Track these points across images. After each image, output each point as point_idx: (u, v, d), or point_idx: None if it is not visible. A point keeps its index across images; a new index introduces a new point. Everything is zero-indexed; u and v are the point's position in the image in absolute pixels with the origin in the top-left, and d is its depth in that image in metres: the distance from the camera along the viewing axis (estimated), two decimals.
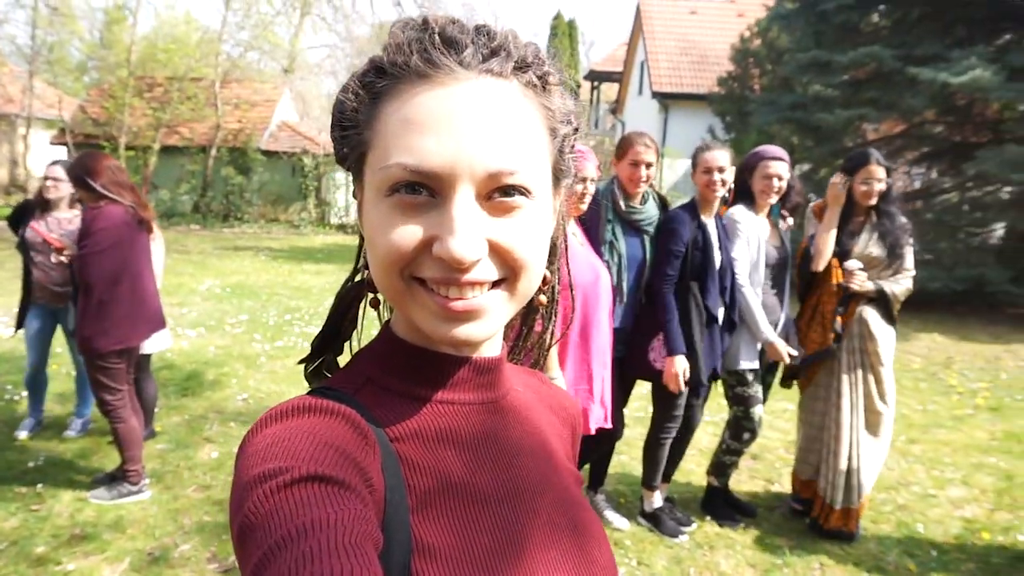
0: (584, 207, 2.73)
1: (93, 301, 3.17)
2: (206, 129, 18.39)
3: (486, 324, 0.59)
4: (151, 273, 3.51)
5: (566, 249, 0.78)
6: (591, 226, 2.97)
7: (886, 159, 3.22)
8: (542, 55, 0.61)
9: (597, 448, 3.24)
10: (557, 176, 0.65)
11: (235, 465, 0.54)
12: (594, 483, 3.46)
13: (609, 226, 2.97)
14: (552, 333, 0.80)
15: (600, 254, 2.92)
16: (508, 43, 0.58)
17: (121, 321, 3.25)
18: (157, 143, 17.79)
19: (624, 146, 3.02)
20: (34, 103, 19.26)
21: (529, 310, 0.78)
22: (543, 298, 0.75)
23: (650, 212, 3.07)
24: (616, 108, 25.27)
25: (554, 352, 2.60)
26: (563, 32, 29.82)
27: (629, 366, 3.10)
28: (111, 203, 3.23)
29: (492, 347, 0.69)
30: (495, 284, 0.59)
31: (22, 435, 4.13)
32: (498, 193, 0.56)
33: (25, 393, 4.38)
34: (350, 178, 0.66)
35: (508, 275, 0.59)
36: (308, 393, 0.62)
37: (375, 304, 0.71)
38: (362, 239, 0.69)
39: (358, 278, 0.72)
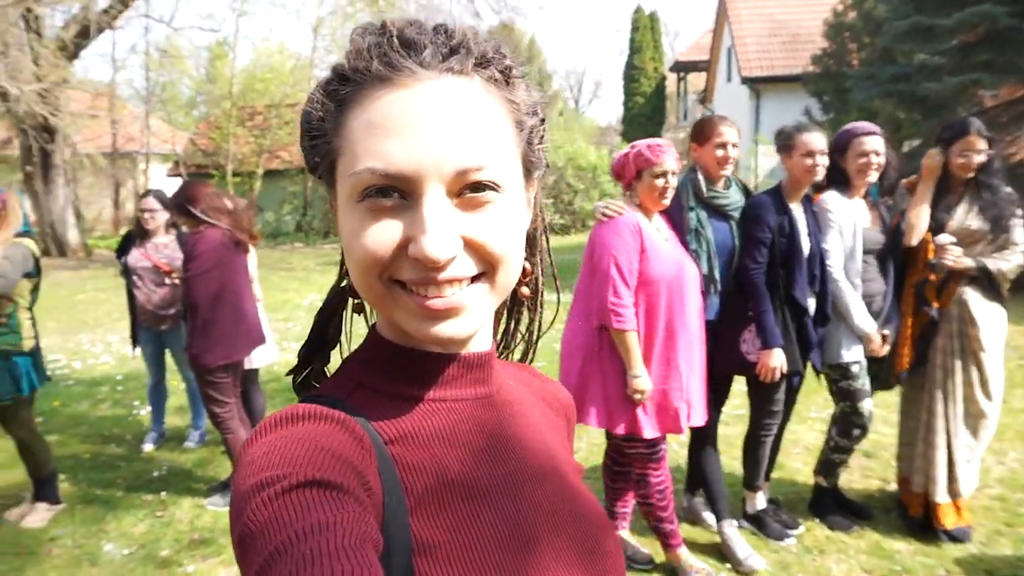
0: (667, 201, 2.65)
1: (199, 320, 3.37)
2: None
3: (468, 321, 0.59)
4: (250, 291, 3.70)
5: (547, 240, 0.78)
6: (675, 216, 2.89)
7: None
8: (503, 50, 0.61)
9: (693, 449, 3.14)
10: (528, 168, 0.66)
11: (233, 476, 0.54)
12: (692, 485, 3.35)
13: (692, 213, 2.87)
14: (539, 325, 0.80)
15: (686, 244, 2.82)
16: (467, 40, 0.58)
17: (224, 338, 3.44)
18: (260, 168, 18.83)
19: (707, 130, 2.91)
20: (151, 140, 20.78)
21: (514, 303, 0.79)
22: (526, 290, 0.75)
23: (734, 197, 2.95)
24: (704, 98, 24.57)
25: (636, 348, 2.54)
26: (644, 26, 29.35)
27: (719, 361, 2.97)
28: (210, 227, 3.43)
29: (481, 342, 0.68)
30: (474, 279, 0.59)
31: (147, 447, 4.47)
32: (468, 190, 0.57)
33: (149, 408, 4.72)
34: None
35: (486, 269, 0.59)
36: (301, 401, 0.62)
37: (359, 309, 0.71)
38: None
39: (343, 284, 0.72)
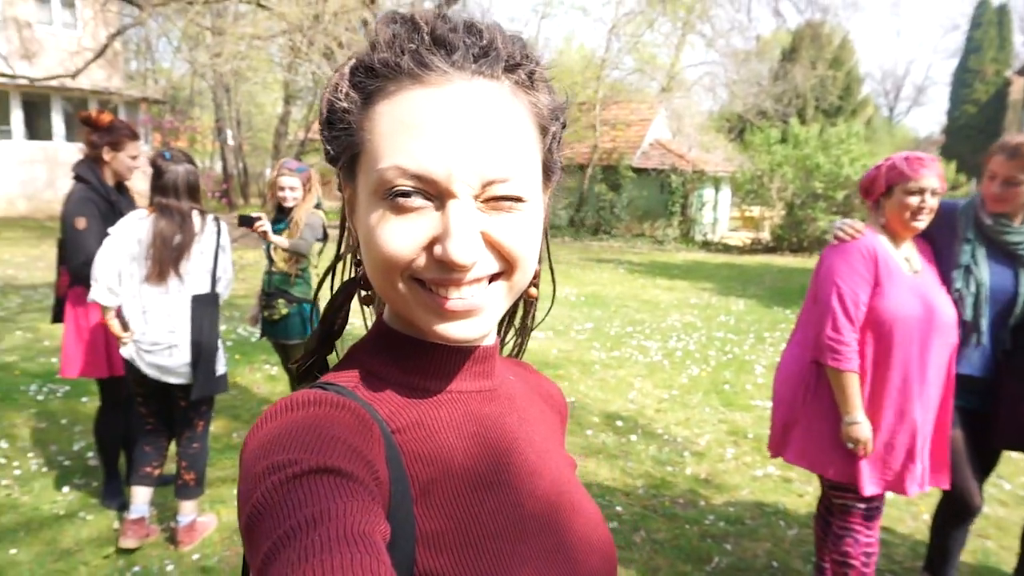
0: (921, 224, 2.27)
1: None
2: (586, 149, 19.92)
3: (482, 321, 0.61)
4: None
5: (546, 237, 0.75)
6: (941, 246, 2.47)
7: None
8: (528, 51, 0.61)
9: (939, 522, 2.67)
10: (547, 173, 0.66)
11: (240, 458, 0.56)
12: (934, 566, 2.80)
13: (967, 247, 2.42)
14: (533, 318, 0.80)
15: (948, 282, 2.40)
16: (496, 41, 0.58)
17: None
18: None
19: (990, 154, 2.44)
20: None
21: (516, 303, 0.78)
22: (534, 291, 0.76)
23: None
24: None
25: (855, 392, 2.23)
26: (989, 21, 25.17)
27: (996, 433, 2.48)
28: None
29: (487, 337, 0.69)
30: (493, 279, 0.60)
31: None
32: (492, 197, 0.57)
33: None
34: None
35: (505, 268, 0.60)
36: (309, 387, 0.63)
37: (367, 301, 0.72)
38: (342, 230, 0.72)
39: (340, 277, 0.73)
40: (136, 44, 16.72)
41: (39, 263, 10.05)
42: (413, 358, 0.66)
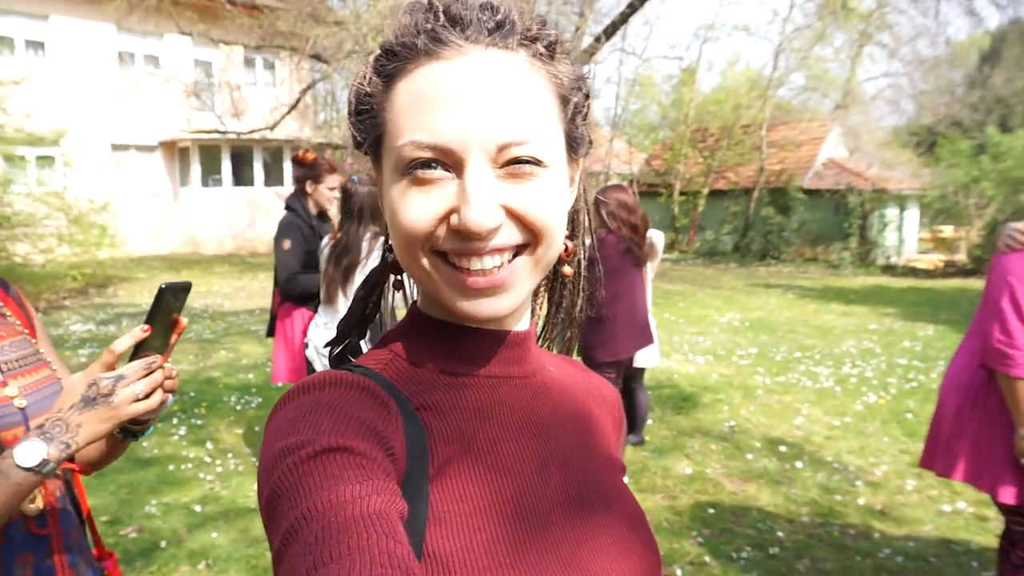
0: None
1: (594, 318, 3.75)
2: (751, 172, 19.19)
3: (509, 298, 0.59)
4: (644, 298, 3.95)
5: (591, 222, 0.75)
6: None
7: None
8: (548, 25, 0.61)
9: None
10: (572, 145, 0.64)
11: (263, 440, 0.57)
12: None
13: None
14: (582, 309, 0.77)
15: None
16: (512, 16, 0.58)
17: (616, 336, 3.75)
18: (706, 187, 19.37)
19: None
20: (612, 160, 23.16)
21: (555, 286, 0.76)
22: (568, 268, 0.73)
23: None
24: None
25: None
26: None
27: None
28: (609, 233, 3.76)
29: (520, 321, 0.68)
30: (517, 252, 0.59)
31: None
32: (510, 163, 0.57)
33: None
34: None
35: (529, 239, 0.59)
36: (329, 370, 0.64)
37: (399, 286, 0.72)
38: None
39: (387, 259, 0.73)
40: (324, 97, 18.57)
41: (241, 293, 11.34)
42: (444, 342, 0.66)
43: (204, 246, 16.96)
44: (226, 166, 17.08)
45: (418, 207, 0.57)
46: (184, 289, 1.07)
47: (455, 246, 0.57)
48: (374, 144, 0.63)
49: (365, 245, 3.12)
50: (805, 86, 21.41)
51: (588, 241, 0.76)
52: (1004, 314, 2.05)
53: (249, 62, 17.27)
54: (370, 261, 3.13)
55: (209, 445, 4.55)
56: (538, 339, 0.77)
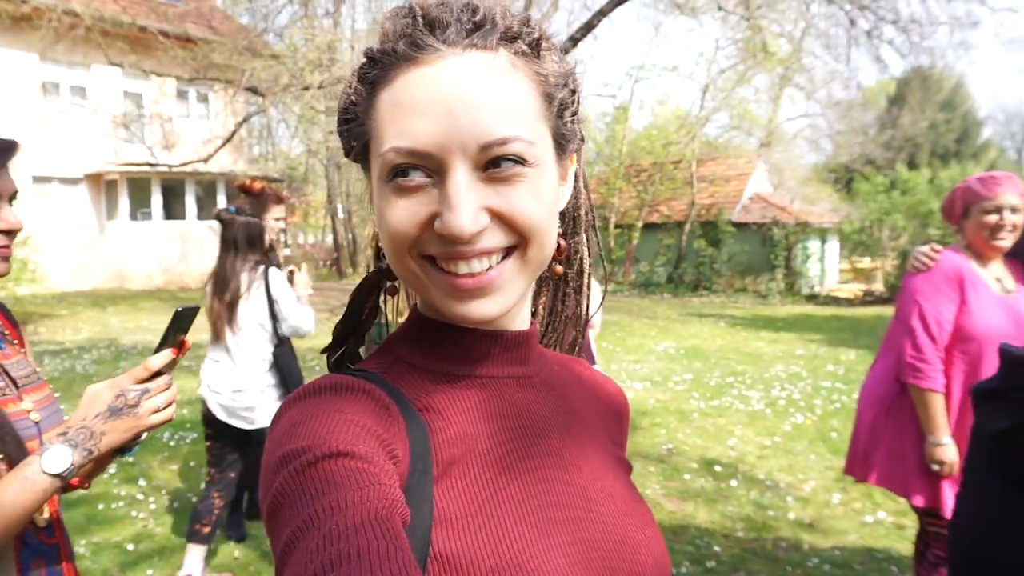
0: (1003, 242, 2.23)
1: None
2: (683, 206, 19.86)
3: (500, 299, 0.59)
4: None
5: (593, 220, 0.76)
6: None
7: None
8: (532, 23, 0.60)
9: None
10: (560, 142, 0.63)
11: (265, 447, 0.56)
12: None
13: None
14: (588, 307, 0.77)
15: None
16: (493, 16, 0.58)
17: None
18: (640, 221, 19.94)
19: None
20: None
21: (556, 286, 0.76)
22: (559, 267, 0.73)
23: None
24: None
25: (938, 411, 2.17)
26: None
27: None
28: None
29: (519, 321, 0.68)
30: (506, 255, 0.59)
31: None
32: (493, 164, 0.56)
33: None
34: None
35: (517, 241, 0.59)
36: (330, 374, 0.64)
37: (393, 292, 0.72)
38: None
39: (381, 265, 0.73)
40: (259, 130, 18.41)
41: None
42: (444, 344, 0.66)
43: (131, 281, 16.38)
44: (156, 199, 16.63)
45: (403, 213, 0.57)
46: (193, 313, 1.15)
47: (441, 250, 0.57)
48: (362, 152, 0.63)
49: (245, 277, 3.02)
50: (731, 124, 22.41)
51: (593, 237, 0.76)
52: (914, 331, 2.24)
53: (182, 94, 16.98)
54: (252, 293, 3.02)
55: (142, 482, 4.40)
56: (541, 339, 0.77)
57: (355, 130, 0.62)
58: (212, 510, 3.07)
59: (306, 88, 10.15)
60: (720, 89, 20.86)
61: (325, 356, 0.72)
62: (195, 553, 3.02)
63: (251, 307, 3.03)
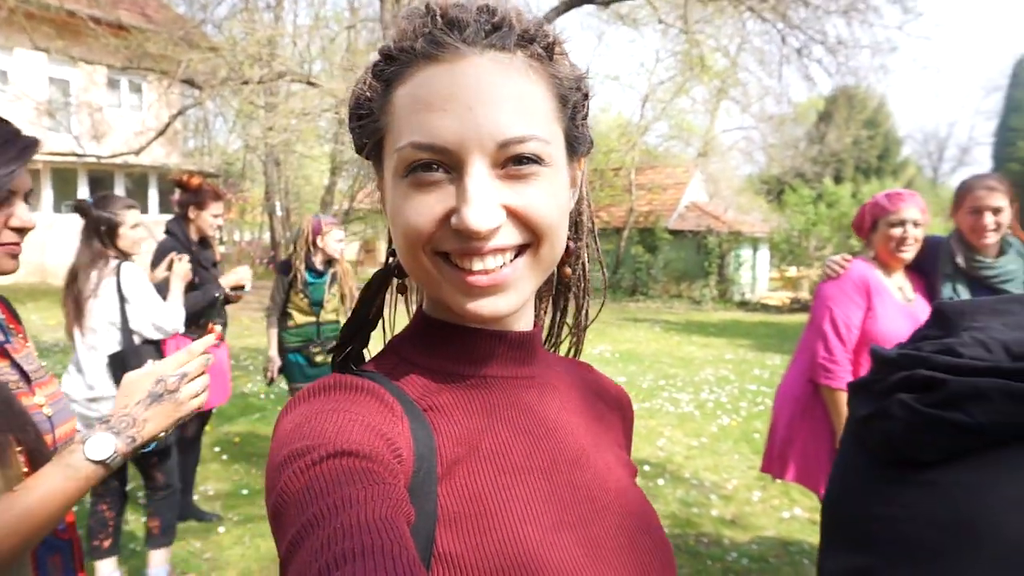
0: (906, 253, 2.41)
1: None
2: (622, 212, 20.24)
3: (511, 297, 0.60)
4: None
5: (593, 226, 0.77)
6: (933, 280, 2.60)
7: None
8: (546, 27, 0.62)
9: None
10: (572, 144, 0.65)
11: (270, 447, 0.57)
12: None
13: (948, 283, 2.55)
14: (587, 313, 0.78)
15: None
16: (510, 18, 0.59)
17: None
18: None
19: (961, 193, 2.56)
20: None
21: (559, 290, 0.77)
22: (569, 269, 0.73)
23: (1008, 267, 2.52)
24: None
25: (846, 410, 2.34)
26: None
27: None
28: None
29: (523, 322, 0.68)
30: (519, 253, 0.60)
31: None
32: (510, 162, 0.57)
33: None
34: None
35: (530, 240, 0.60)
36: (335, 372, 0.65)
37: (402, 290, 0.73)
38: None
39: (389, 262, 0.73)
40: (195, 123, 17.87)
41: None
42: (449, 344, 0.66)
43: (54, 276, 15.67)
44: (83, 191, 15.99)
45: (419, 209, 0.58)
46: (225, 300, 1.17)
47: (456, 246, 0.58)
48: (375, 148, 0.64)
49: (95, 274, 2.78)
50: (669, 134, 22.96)
51: (593, 244, 0.77)
52: (826, 335, 2.40)
53: (113, 83, 16.37)
54: (103, 291, 2.77)
55: None
56: (545, 343, 0.78)
57: (369, 126, 0.62)
58: (106, 523, 2.99)
59: (245, 82, 9.93)
60: (659, 100, 21.35)
61: (331, 357, 0.72)
62: (106, 567, 2.98)
63: (101, 306, 2.78)
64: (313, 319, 4.02)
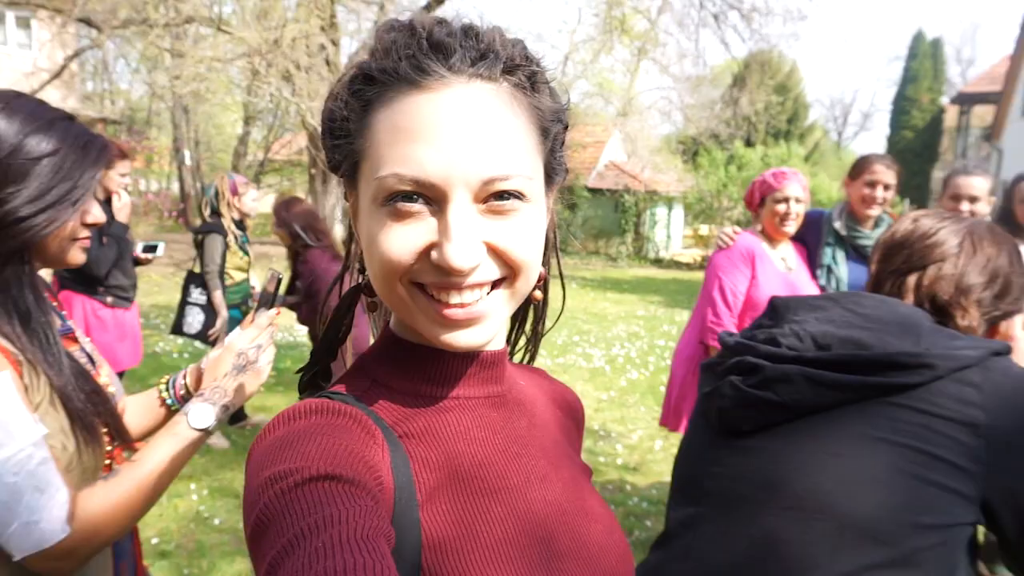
0: (789, 228, 2.67)
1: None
2: None
3: (485, 329, 0.60)
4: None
5: (556, 241, 0.77)
6: (812, 249, 2.87)
7: None
8: (530, 54, 0.61)
9: None
10: (549, 175, 0.66)
11: (246, 468, 0.56)
12: None
13: (828, 250, 2.83)
14: (543, 326, 0.79)
15: (816, 278, 2.80)
16: (495, 44, 0.58)
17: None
18: None
19: (861, 165, 2.84)
20: None
21: (521, 305, 0.75)
22: (539, 294, 0.74)
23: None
24: (992, 134, 21.63)
25: None
26: (924, 53, 26.62)
27: None
28: (314, 248, 3.84)
29: (494, 342, 0.68)
30: (495, 285, 0.60)
31: None
32: (493, 198, 0.57)
33: None
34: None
35: (508, 274, 0.60)
36: (313, 397, 0.63)
37: (373, 308, 0.72)
38: (349, 237, 0.72)
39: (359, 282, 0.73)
40: (93, 65, 16.76)
41: None
42: (419, 365, 0.66)
43: None
44: None
45: (398, 240, 0.57)
46: (280, 278, 1.29)
47: (434, 280, 0.57)
48: (350, 170, 0.62)
49: None
50: (590, 92, 23.17)
51: (554, 259, 0.78)
52: (715, 301, 2.65)
53: None
54: None
55: None
56: (522, 357, 0.81)
57: (345, 147, 0.61)
58: None
59: (149, 25, 9.42)
60: (581, 61, 21.44)
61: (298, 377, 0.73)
62: None
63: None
64: (246, 275, 4.20)
